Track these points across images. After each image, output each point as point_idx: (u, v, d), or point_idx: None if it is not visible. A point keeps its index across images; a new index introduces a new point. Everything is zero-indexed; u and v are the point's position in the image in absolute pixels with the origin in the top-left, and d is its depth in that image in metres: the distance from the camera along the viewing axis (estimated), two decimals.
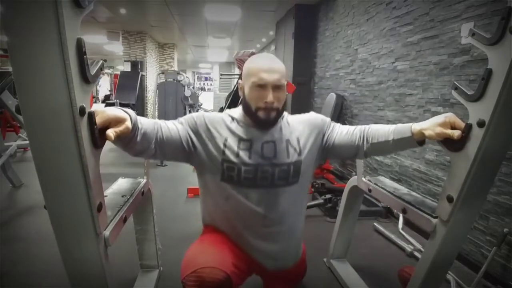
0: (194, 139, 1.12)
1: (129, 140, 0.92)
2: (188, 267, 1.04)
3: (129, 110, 0.90)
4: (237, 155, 1.12)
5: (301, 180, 1.20)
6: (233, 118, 1.17)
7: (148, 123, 1.00)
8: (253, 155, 1.12)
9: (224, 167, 1.12)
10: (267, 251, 1.21)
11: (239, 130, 1.14)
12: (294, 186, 1.18)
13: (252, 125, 1.15)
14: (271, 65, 1.09)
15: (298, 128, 1.21)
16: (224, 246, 1.17)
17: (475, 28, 0.89)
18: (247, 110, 1.14)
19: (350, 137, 1.18)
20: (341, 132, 1.21)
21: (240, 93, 1.18)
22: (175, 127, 1.10)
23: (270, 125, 1.14)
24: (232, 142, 1.13)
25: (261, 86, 1.07)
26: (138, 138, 0.94)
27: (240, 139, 1.13)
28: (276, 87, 1.08)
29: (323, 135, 1.22)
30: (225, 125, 1.15)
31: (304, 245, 1.42)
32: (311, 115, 1.26)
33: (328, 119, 1.26)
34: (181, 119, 1.15)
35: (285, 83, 1.12)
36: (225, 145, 1.12)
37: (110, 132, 0.80)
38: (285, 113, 1.23)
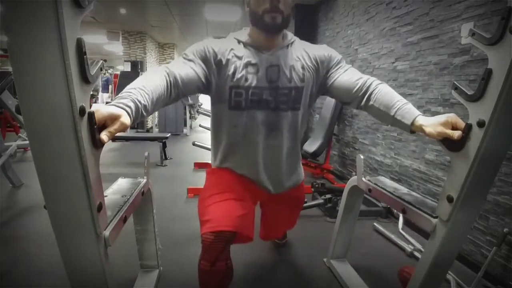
0: (207, 70, 1.16)
1: (136, 121, 0.90)
2: (206, 222, 1.18)
3: (127, 101, 0.86)
4: (245, 79, 1.17)
5: (302, 108, 1.27)
6: (239, 41, 1.22)
7: (154, 91, 0.97)
8: (260, 79, 1.18)
9: (232, 94, 1.18)
10: (271, 174, 1.32)
11: (246, 54, 1.19)
12: (295, 112, 1.26)
13: (258, 44, 1.19)
14: None
15: (305, 57, 1.25)
16: (232, 195, 1.25)
17: (475, 28, 0.89)
18: (254, 18, 1.17)
19: (350, 85, 1.20)
20: (344, 76, 1.24)
21: (246, 8, 1.20)
22: (191, 70, 1.12)
23: (277, 30, 1.18)
24: (240, 67, 1.17)
25: None
26: (146, 114, 0.93)
27: (247, 63, 1.18)
28: None
29: (327, 72, 1.27)
30: (232, 50, 1.19)
31: (304, 175, 1.54)
32: (321, 49, 1.29)
33: (337, 58, 1.29)
34: (189, 54, 1.16)
35: None
36: (233, 70, 1.17)
37: (103, 136, 0.78)
38: (296, 39, 1.28)
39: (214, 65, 1.17)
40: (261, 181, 1.33)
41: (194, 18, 6.14)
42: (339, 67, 1.26)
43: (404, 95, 2.60)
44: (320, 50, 1.28)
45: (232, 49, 1.20)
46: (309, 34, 4.87)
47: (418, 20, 2.42)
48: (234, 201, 1.25)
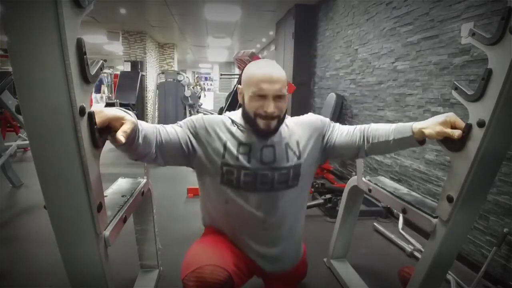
0: (194, 142, 1.12)
1: (130, 143, 0.91)
2: (189, 266, 1.03)
3: (128, 111, 0.89)
4: (236, 159, 1.11)
5: (301, 183, 1.19)
6: (233, 121, 1.16)
7: (147, 126, 1.00)
8: (252, 160, 1.12)
9: (224, 171, 1.12)
10: (266, 255, 1.20)
11: (239, 134, 1.13)
12: (294, 189, 1.18)
13: (251, 130, 1.14)
14: (271, 74, 1.06)
15: (297, 131, 1.20)
16: (225, 246, 1.17)
17: (475, 28, 0.89)
18: (246, 117, 1.13)
19: (350, 138, 1.18)
20: (341, 133, 1.20)
21: (240, 98, 1.16)
22: (174, 131, 1.09)
23: (270, 135, 1.13)
24: (232, 146, 1.12)
25: (261, 96, 1.06)
26: (140, 140, 0.93)
27: (239, 143, 1.12)
28: (277, 97, 1.07)
29: (323, 137, 1.22)
30: (225, 128, 1.14)
31: (305, 246, 1.42)
32: (310, 117, 1.25)
33: (328, 120, 1.25)
34: (180, 122, 1.15)
35: (286, 91, 1.10)
36: (224, 148, 1.12)
37: (120, 136, 0.79)
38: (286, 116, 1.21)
39: (204, 138, 1.12)
40: (255, 260, 1.22)
41: (194, 18, 6.14)
42: (333, 128, 1.23)
43: (404, 95, 2.61)
44: (310, 119, 1.24)
45: (225, 125, 1.15)
46: (309, 34, 4.87)
47: (418, 20, 2.42)
48: (228, 250, 1.15)
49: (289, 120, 1.24)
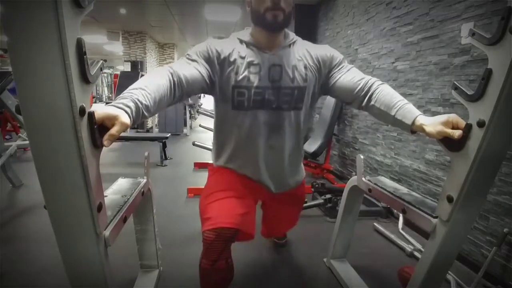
0: (210, 71, 1.17)
1: (137, 121, 0.88)
2: (207, 220, 1.18)
3: (127, 101, 0.85)
4: (248, 79, 1.17)
5: (304, 108, 1.27)
6: (241, 41, 1.22)
7: (157, 92, 0.95)
8: (262, 78, 1.18)
9: (235, 93, 1.19)
10: (274, 174, 1.33)
11: (249, 54, 1.19)
12: (297, 111, 1.26)
13: (261, 42, 1.20)
14: None
15: (307, 57, 1.25)
16: (231, 194, 1.25)
17: (475, 28, 0.89)
18: (255, 17, 1.17)
19: (352, 85, 1.21)
20: (346, 76, 1.24)
21: (248, 8, 1.21)
22: (194, 70, 1.12)
23: (278, 28, 1.19)
24: (242, 67, 1.17)
25: None
26: (148, 114, 0.91)
27: (249, 63, 1.18)
28: None
29: (329, 72, 1.27)
30: (235, 50, 1.20)
31: (305, 174, 1.54)
32: (323, 49, 1.30)
33: (339, 58, 1.29)
34: (193, 54, 1.17)
35: None
36: (236, 70, 1.17)
37: (105, 141, 0.77)
38: (298, 38, 1.29)
39: (217, 65, 1.18)
40: (263, 181, 1.34)
41: (194, 18, 6.14)
42: (342, 67, 1.26)
43: (404, 95, 2.59)
44: (322, 50, 1.28)
45: (234, 48, 1.20)
46: (309, 34, 4.86)
47: (418, 20, 2.42)
48: (235, 199, 1.25)
49: (302, 45, 1.29)
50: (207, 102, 8.93)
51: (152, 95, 0.93)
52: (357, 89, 1.19)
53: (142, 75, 8.06)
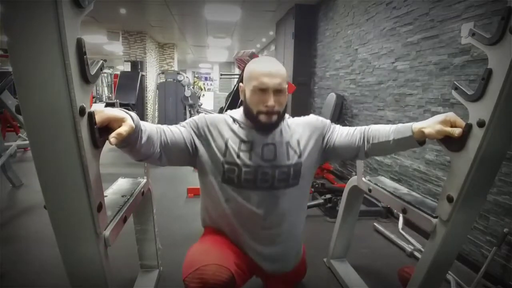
0: (197, 141, 1.13)
1: (134, 143, 0.91)
2: (191, 266, 1.02)
3: (130, 112, 0.88)
4: (238, 156, 1.12)
5: (301, 182, 1.20)
6: (234, 120, 1.18)
7: (151, 126, 1.00)
8: (254, 157, 1.13)
9: (225, 169, 1.13)
10: (266, 254, 1.20)
11: (240, 132, 1.15)
12: (294, 188, 1.19)
13: (253, 127, 1.15)
14: (272, 69, 1.09)
15: (298, 130, 1.21)
16: (226, 246, 1.17)
17: (475, 28, 0.89)
18: (248, 113, 1.14)
19: (350, 138, 1.18)
20: (341, 134, 1.21)
21: (241, 96, 1.18)
22: (178, 130, 1.11)
23: (271, 129, 1.15)
24: (233, 144, 1.13)
25: (262, 90, 1.08)
26: (143, 140, 0.94)
27: (241, 141, 1.14)
28: (277, 91, 1.08)
29: (323, 137, 1.23)
30: (226, 126, 1.16)
31: (304, 246, 1.42)
32: (311, 118, 1.27)
33: (328, 121, 1.26)
34: (183, 122, 1.16)
35: (286, 86, 1.12)
36: (226, 146, 1.13)
37: (112, 139, 0.78)
38: (286, 115, 1.23)
39: (207, 134, 1.14)
40: (257, 261, 1.21)
41: (194, 18, 6.14)
42: (333, 129, 1.24)
43: (404, 95, 2.61)
44: (311, 119, 1.25)
45: (226, 123, 1.16)
46: (309, 34, 4.87)
47: (418, 20, 2.42)
48: (229, 250, 1.16)
49: (290, 120, 1.25)
50: (207, 102, 8.93)
51: (148, 128, 0.98)
52: (357, 140, 1.17)
53: (142, 75, 8.01)
